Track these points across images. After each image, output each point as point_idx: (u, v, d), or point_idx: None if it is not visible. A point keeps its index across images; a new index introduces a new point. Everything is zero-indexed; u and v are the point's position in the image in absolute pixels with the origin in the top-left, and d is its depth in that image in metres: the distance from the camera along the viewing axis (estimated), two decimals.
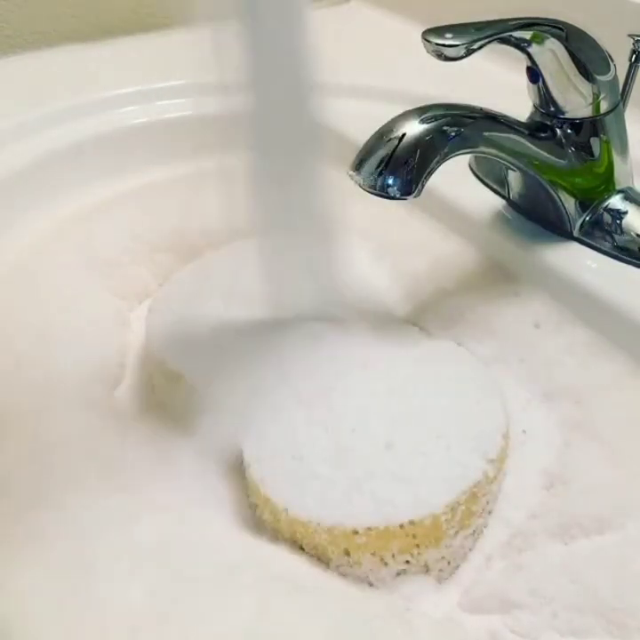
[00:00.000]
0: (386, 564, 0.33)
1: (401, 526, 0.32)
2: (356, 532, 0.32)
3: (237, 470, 0.38)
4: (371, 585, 0.34)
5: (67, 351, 0.42)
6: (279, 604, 0.30)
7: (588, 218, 0.43)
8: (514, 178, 0.45)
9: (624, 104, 0.43)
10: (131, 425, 0.40)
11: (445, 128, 0.37)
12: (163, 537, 0.33)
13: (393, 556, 0.33)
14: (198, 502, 0.37)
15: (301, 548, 0.34)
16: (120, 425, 0.39)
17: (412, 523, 0.32)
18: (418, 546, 0.33)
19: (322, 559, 0.34)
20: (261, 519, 0.35)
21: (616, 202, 0.43)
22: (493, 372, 0.41)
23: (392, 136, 0.36)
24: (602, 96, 0.41)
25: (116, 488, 0.35)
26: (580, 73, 0.39)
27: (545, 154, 0.41)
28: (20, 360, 0.41)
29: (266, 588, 0.31)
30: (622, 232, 0.42)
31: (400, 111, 0.37)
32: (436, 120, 0.37)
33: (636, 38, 0.44)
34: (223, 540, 0.35)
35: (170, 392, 0.41)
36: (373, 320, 0.43)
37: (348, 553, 0.33)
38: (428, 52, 0.36)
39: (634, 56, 0.44)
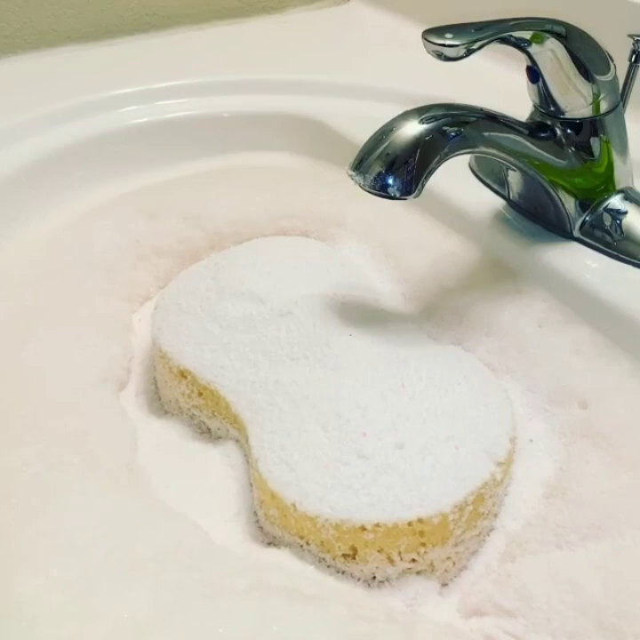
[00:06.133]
0: (392, 561, 0.33)
1: (409, 524, 0.32)
2: (363, 529, 0.32)
3: (241, 469, 0.38)
4: (376, 583, 0.34)
5: (69, 354, 0.42)
6: (280, 609, 0.30)
7: (588, 218, 0.43)
8: (514, 178, 0.46)
9: (624, 104, 0.43)
10: (136, 428, 0.40)
11: (445, 128, 0.37)
12: (164, 538, 0.33)
13: (399, 553, 0.33)
14: (201, 503, 0.37)
15: (308, 544, 0.34)
16: (125, 428, 0.39)
17: (420, 520, 0.32)
18: (424, 545, 0.33)
19: (328, 556, 0.34)
20: (268, 515, 0.35)
21: (616, 202, 0.43)
22: (499, 374, 0.41)
23: (392, 136, 0.36)
24: (602, 96, 0.41)
25: (119, 491, 0.35)
26: (580, 73, 0.40)
27: (545, 154, 0.42)
28: (22, 363, 0.41)
29: (267, 593, 0.30)
30: (622, 232, 0.43)
31: (400, 111, 0.37)
32: (435, 120, 0.37)
33: (636, 38, 0.44)
34: (225, 543, 0.34)
35: (175, 390, 0.41)
36: (377, 322, 0.42)
37: (354, 550, 0.33)
38: (428, 51, 0.36)
39: (634, 56, 0.44)
